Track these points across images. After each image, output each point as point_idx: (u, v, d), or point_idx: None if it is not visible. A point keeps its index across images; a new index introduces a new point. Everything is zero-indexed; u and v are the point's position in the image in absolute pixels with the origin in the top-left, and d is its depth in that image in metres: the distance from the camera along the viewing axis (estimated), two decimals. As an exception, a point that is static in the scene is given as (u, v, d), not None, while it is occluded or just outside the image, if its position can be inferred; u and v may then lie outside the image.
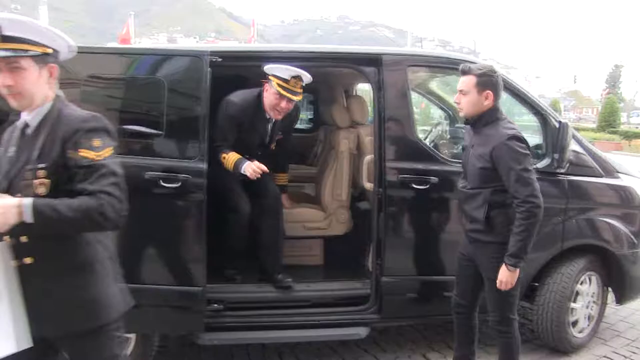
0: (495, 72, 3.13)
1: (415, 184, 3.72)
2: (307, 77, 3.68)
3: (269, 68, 3.62)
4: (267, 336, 3.73)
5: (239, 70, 4.01)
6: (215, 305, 3.63)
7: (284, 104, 3.71)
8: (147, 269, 3.46)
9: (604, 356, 4.18)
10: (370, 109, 4.77)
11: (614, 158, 4.55)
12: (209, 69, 3.41)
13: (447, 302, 3.92)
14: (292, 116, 4.11)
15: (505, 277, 3.05)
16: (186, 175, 3.34)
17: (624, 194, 4.25)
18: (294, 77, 3.59)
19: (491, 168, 3.04)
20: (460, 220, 3.47)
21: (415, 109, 4.23)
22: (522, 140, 3.05)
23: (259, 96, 3.85)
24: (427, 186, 3.73)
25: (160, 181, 3.31)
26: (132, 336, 3.58)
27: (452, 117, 5.56)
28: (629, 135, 27.55)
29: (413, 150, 3.81)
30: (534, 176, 3.04)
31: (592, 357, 4.14)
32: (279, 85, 3.62)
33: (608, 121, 29.85)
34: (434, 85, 5.41)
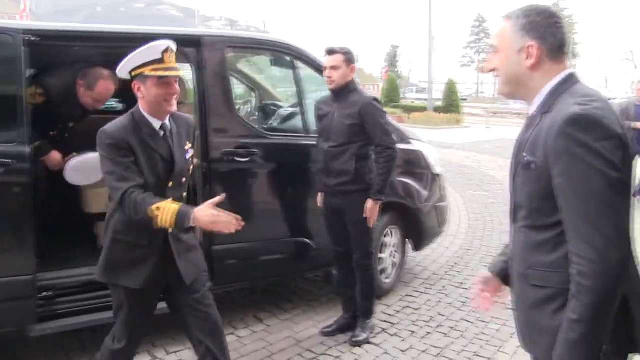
0: (352, 51, 3.87)
1: (238, 157, 3.99)
2: (173, 45, 2.72)
3: (126, 65, 2.62)
4: (98, 318, 3.62)
5: (61, 51, 3.86)
6: (46, 293, 3.55)
7: (173, 88, 2.65)
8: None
9: (407, 295, 4.89)
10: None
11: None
12: (23, 48, 3.30)
13: (273, 265, 4.29)
14: (188, 122, 2.93)
15: (371, 208, 3.77)
16: (8, 159, 3.22)
17: (415, 156, 4.95)
18: (164, 51, 2.61)
19: (359, 124, 3.75)
20: (323, 179, 3.94)
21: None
22: (380, 102, 3.88)
23: (133, 112, 2.69)
24: (249, 158, 4.03)
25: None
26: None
27: (261, 95, 5.90)
28: (408, 109, 30.41)
29: (234, 126, 4.07)
30: None
31: (398, 297, 4.82)
32: (155, 69, 2.58)
33: (390, 97, 32.50)
34: (247, 65, 5.69)
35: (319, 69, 4.35)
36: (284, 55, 4.50)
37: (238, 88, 7.15)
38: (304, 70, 4.53)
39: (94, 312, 3.66)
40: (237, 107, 5.55)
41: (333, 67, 3.80)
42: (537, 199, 1.70)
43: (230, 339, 3.99)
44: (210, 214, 2.53)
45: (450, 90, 29.75)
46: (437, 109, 28.94)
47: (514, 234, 1.84)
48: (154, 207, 2.48)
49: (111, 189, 2.59)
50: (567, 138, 1.55)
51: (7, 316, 3.35)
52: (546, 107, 1.70)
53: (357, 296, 4.08)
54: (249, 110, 5.67)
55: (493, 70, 1.83)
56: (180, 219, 2.50)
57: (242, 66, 5.53)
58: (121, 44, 3.68)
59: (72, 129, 4.38)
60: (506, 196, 1.98)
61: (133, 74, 2.61)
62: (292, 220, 4.34)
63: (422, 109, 29.96)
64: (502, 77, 1.80)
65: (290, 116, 4.86)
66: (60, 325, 3.57)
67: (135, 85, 2.62)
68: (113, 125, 2.61)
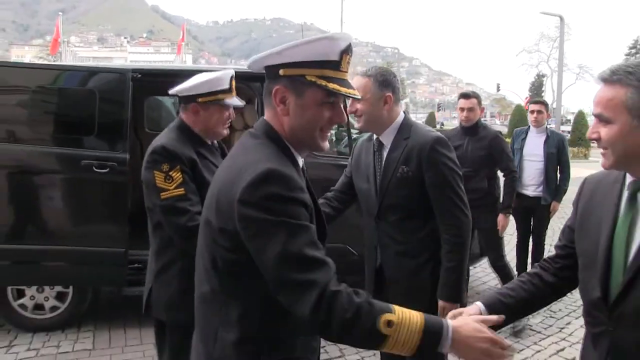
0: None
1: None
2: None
3: (276, 56, 1.52)
4: None
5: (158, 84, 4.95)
6: (136, 265, 4.60)
7: (344, 114, 1.61)
8: (82, 234, 4.40)
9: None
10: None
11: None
12: (130, 82, 4.41)
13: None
14: None
15: (502, 220, 4.92)
16: (113, 162, 4.34)
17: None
18: (344, 51, 1.53)
19: (488, 153, 4.88)
20: None
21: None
22: (502, 134, 5.18)
23: (270, 137, 1.57)
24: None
25: (94, 167, 4.32)
26: (69, 290, 4.63)
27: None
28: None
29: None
30: None
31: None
32: (321, 77, 1.50)
33: (518, 126, 31.83)
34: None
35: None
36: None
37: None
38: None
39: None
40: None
41: (470, 109, 4.88)
42: (412, 197, 2.58)
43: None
44: (481, 338, 1.47)
45: (580, 123, 28.73)
46: (564, 142, 27.87)
47: (383, 227, 2.68)
48: (383, 318, 1.39)
49: (288, 281, 1.38)
50: (436, 152, 2.52)
51: (109, 277, 4.54)
52: (405, 134, 2.59)
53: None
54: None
55: (356, 112, 2.61)
56: (431, 341, 1.42)
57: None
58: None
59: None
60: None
61: (284, 72, 1.51)
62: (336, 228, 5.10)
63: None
64: (366, 117, 2.61)
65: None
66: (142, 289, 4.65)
67: (279, 92, 1.53)
68: (277, 163, 1.46)
